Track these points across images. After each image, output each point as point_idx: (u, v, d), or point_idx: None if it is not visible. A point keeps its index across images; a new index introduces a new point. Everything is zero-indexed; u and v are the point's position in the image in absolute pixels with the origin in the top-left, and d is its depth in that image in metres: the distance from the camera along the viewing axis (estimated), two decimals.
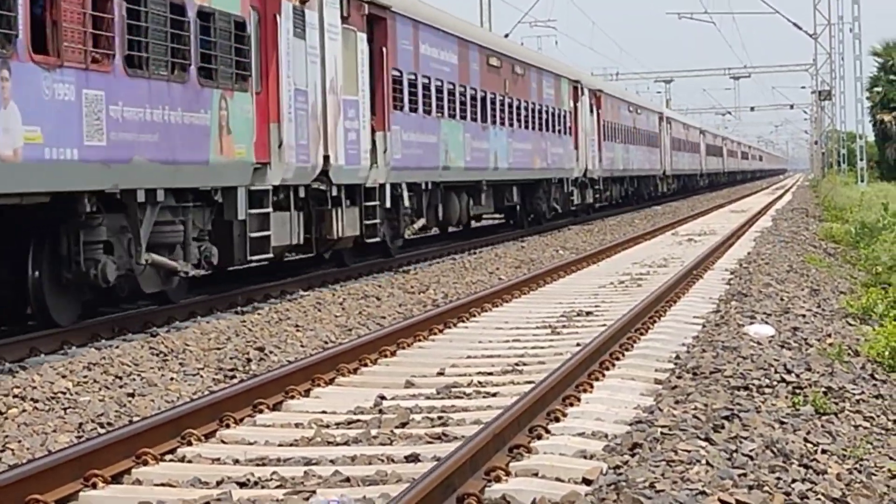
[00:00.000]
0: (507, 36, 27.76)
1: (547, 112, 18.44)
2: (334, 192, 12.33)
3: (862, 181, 33.64)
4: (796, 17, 39.21)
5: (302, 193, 11.66)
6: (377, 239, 13.50)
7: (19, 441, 4.75)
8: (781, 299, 9.97)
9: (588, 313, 9.58)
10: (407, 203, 14.28)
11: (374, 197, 13.26)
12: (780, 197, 39.50)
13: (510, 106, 16.24)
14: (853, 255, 15.95)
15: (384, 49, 13.65)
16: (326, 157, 11.89)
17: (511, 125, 16.17)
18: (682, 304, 10.09)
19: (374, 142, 13.37)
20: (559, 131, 19.42)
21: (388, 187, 13.78)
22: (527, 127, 17.01)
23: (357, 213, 12.93)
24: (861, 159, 36.83)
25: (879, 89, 35.44)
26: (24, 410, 5.58)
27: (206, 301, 10.51)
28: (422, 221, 14.87)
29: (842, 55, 38.28)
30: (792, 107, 78.97)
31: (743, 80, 66.01)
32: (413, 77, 14.51)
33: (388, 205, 13.86)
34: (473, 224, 18.74)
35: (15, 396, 5.85)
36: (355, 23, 12.68)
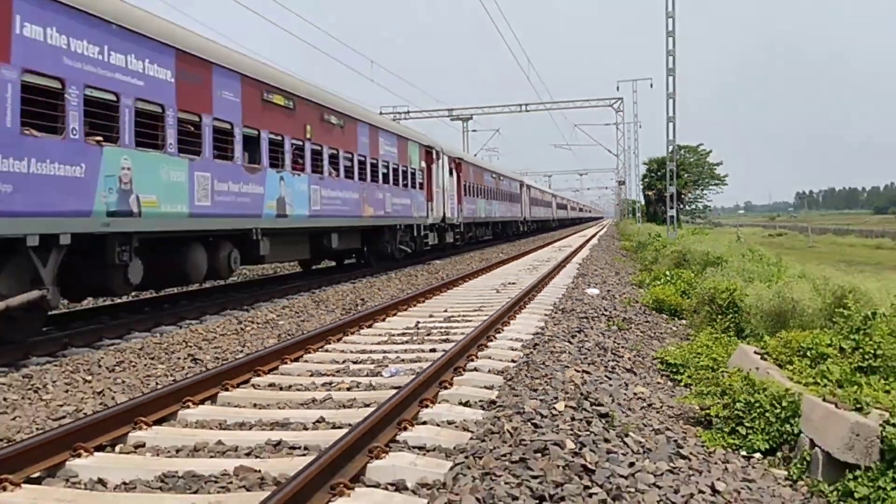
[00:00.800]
0: None
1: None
2: (443, 225, 27.11)
3: (638, 223, 59.41)
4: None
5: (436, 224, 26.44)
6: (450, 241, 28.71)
7: (251, 343, 8.79)
8: (602, 277, 17.56)
9: (512, 283, 15.42)
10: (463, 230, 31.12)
11: (457, 228, 29.68)
12: (602, 229, 65.38)
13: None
14: (635, 256, 27.44)
15: (461, 175, 30.12)
16: (444, 214, 26.97)
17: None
18: (557, 279, 16.35)
19: (460, 207, 29.84)
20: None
21: (461, 226, 30.88)
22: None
23: (447, 234, 28.01)
24: (637, 213, 69.73)
25: (647, 179, 68.61)
26: (251, 327, 9.84)
27: (339, 276, 17.93)
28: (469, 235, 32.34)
29: (629, 163, 74.23)
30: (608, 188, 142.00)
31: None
32: (468, 183, 31.83)
33: (461, 230, 30.71)
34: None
35: (248, 321, 10.12)
36: (453, 166, 28.90)
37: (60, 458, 4.48)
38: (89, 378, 7.06)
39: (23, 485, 4.10)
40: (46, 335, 9.20)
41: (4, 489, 4.01)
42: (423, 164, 24.86)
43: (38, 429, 5.42)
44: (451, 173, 28.41)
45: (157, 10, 11.20)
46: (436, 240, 26.39)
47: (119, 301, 13.23)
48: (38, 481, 4.25)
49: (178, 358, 8.04)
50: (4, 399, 6.24)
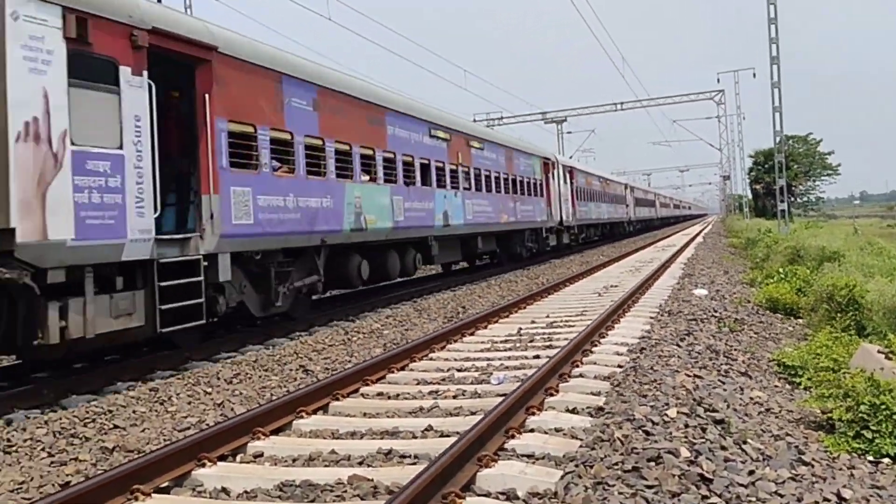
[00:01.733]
0: None
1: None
2: (560, 228, 29.35)
3: (746, 218, 57.99)
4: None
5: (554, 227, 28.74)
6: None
7: (359, 353, 9.00)
8: (709, 276, 16.92)
9: (615, 286, 15.09)
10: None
11: (571, 230, 31.77)
12: (707, 227, 63.92)
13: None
14: (744, 254, 26.41)
15: (573, 182, 32.42)
16: (560, 217, 29.13)
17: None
18: (661, 280, 15.99)
19: (574, 211, 31.67)
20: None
21: (575, 228, 32.67)
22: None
23: (563, 235, 30.21)
24: (745, 208, 66.63)
25: (753, 173, 67.33)
26: (357, 337, 10.09)
27: (438, 285, 17.86)
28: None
29: (733, 157, 72.13)
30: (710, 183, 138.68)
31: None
32: (579, 188, 34.20)
33: (575, 232, 32.70)
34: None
35: (354, 331, 10.43)
36: (566, 174, 30.87)
37: (187, 468, 4.71)
38: (209, 390, 7.42)
39: (153, 494, 4.34)
40: (169, 350, 9.71)
41: (136, 499, 4.26)
42: (543, 174, 27.67)
43: (165, 440, 5.74)
44: (565, 181, 30.74)
45: (259, 34, 11.68)
46: (554, 241, 29.04)
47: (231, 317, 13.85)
48: (166, 491, 4.49)
49: (291, 369, 8.33)
50: (134, 412, 6.63)
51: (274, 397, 6.92)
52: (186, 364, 9.21)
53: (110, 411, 6.60)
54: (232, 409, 6.64)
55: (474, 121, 36.87)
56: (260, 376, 8.07)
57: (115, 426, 6.20)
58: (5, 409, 6.98)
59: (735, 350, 8.46)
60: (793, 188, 60.09)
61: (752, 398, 6.49)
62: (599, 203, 39.40)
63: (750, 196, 69.91)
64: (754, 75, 54.12)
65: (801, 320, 11.34)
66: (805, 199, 74.15)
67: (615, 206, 45.28)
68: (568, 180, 31.20)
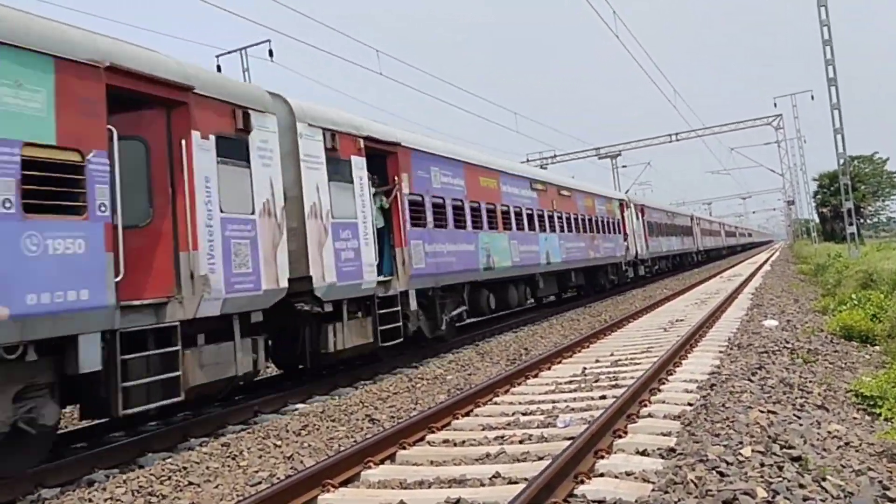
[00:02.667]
0: None
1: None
2: (636, 261, 32.17)
3: (814, 243, 56.65)
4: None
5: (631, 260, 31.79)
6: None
7: (423, 399, 9.06)
8: (779, 306, 16.38)
9: (680, 320, 14.87)
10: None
11: (645, 263, 34.45)
12: (774, 253, 63.12)
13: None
14: (814, 281, 26.01)
15: (644, 218, 34.97)
16: (636, 251, 31.79)
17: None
18: (728, 312, 15.54)
19: (647, 245, 34.47)
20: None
21: (649, 260, 35.21)
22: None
23: (639, 267, 33.40)
24: (812, 232, 65.45)
25: (819, 196, 64.98)
26: (421, 384, 10.14)
27: (500, 327, 18.11)
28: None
29: (796, 181, 71.51)
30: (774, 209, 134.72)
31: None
32: (651, 223, 36.19)
33: (649, 264, 35.36)
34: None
35: (417, 378, 10.48)
36: (639, 211, 33.51)
37: None
38: (279, 443, 7.53)
39: None
40: (238, 404, 9.91)
41: None
42: (619, 214, 30.76)
43: (238, 496, 5.84)
44: (637, 218, 33.55)
45: (310, 89, 12.24)
46: (632, 273, 32.05)
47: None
48: None
49: (357, 419, 8.40)
50: (208, 468, 6.77)
51: (342, 448, 6.98)
52: (256, 418, 9.38)
53: (185, 468, 6.75)
54: (301, 462, 6.72)
55: (527, 161, 38.46)
56: (327, 427, 8.15)
57: (190, 482, 6.34)
58: (86, 470, 7.21)
59: (810, 382, 8.17)
60: (861, 210, 58.29)
61: (829, 432, 6.25)
62: (669, 236, 41.86)
63: (817, 220, 67.99)
64: (812, 97, 52.96)
65: (877, 347, 10.89)
66: (875, 219, 71.78)
67: (683, 238, 47.13)
68: (640, 217, 34.07)
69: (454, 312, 14.85)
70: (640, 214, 33.93)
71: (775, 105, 58.67)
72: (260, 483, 6.14)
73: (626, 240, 30.85)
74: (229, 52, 28.65)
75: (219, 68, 26.86)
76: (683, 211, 53.08)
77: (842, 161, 28.26)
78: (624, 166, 66.18)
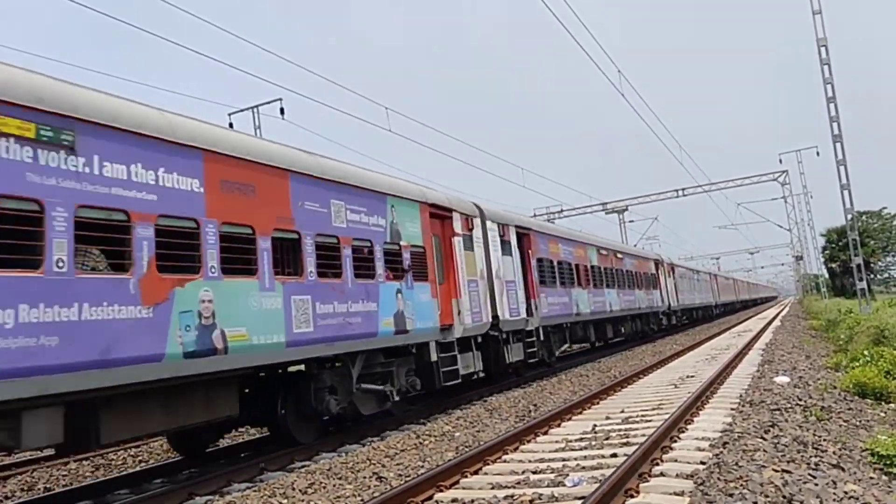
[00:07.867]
0: None
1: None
2: (668, 311, 37.68)
3: (824, 298, 57.94)
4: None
5: (665, 311, 37.36)
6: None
7: (431, 457, 8.93)
8: (790, 362, 16.31)
9: (691, 376, 14.87)
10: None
11: (676, 313, 40.01)
12: (783, 309, 64.46)
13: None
14: (826, 336, 26.14)
15: (674, 275, 39.97)
16: (669, 303, 37.47)
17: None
18: (739, 369, 15.50)
19: (677, 298, 39.61)
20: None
21: (679, 311, 40.45)
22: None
23: (672, 317, 38.71)
24: (821, 287, 66.47)
25: (827, 252, 65.28)
26: (429, 441, 10.01)
27: (508, 383, 17.72)
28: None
29: (804, 236, 72.14)
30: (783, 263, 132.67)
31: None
32: (679, 279, 41.54)
33: (679, 314, 40.99)
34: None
35: (425, 434, 10.39)
36: (670, 269, 38.88)
37: None
38: (285, 501, 7.41)
39: None
40: (244, 461, 9.80)
41: None
42: (655, 270, 35.41)
43: None
44: (669, 274, 38.28)
45: (322, 146, 12.31)
46: (666, 322, 36.90)
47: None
48: None
49: (364, 477, 8.27)
50: None
51: None
52: (262, 475, 9.25)
53: None
54: None
55: (534, 216, 40.50)
56: (334, 485, 8.03)
57: None
58: None
59: (824, 440, 8.03)
60: (871, 265, 58.08)
61: (846, 492, 6.12)
62: (693, 291, 46.84)
63: (826, 275, 67.80)
64: (818, 154, 53.23)
65: (892, 405, 10.73)
66: (886, 274, 71.42)
67: (704, 293, 51.96)
68: (671, 274, 39.30)
69: (562, 346, 20.92)
70: (671, 271, 39.36)
71: (780, 161, 58.90)
72: None
73: (661, 293, 35.85)
74: (241, 111, 29.19)
75: (231, 125, 27.33)
76: (703, 269, 59.21)
77: (850, 216, 28.27)
78: (631, 221, 66.73)
